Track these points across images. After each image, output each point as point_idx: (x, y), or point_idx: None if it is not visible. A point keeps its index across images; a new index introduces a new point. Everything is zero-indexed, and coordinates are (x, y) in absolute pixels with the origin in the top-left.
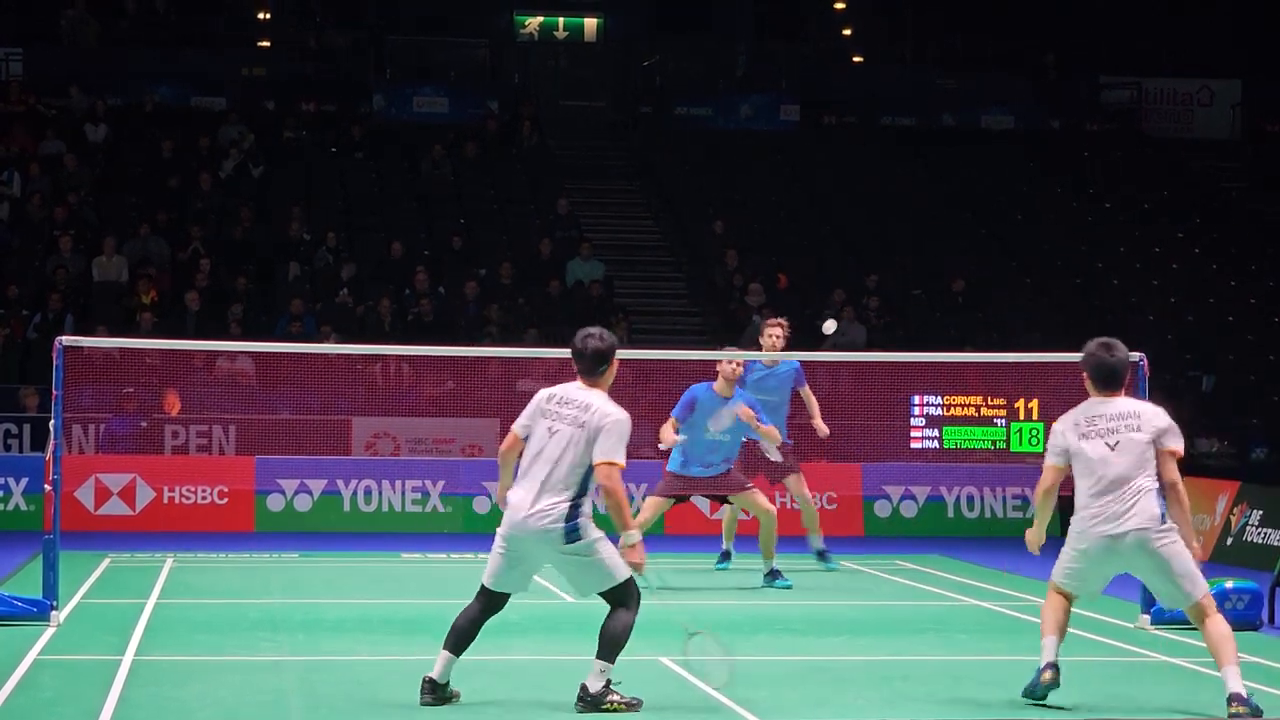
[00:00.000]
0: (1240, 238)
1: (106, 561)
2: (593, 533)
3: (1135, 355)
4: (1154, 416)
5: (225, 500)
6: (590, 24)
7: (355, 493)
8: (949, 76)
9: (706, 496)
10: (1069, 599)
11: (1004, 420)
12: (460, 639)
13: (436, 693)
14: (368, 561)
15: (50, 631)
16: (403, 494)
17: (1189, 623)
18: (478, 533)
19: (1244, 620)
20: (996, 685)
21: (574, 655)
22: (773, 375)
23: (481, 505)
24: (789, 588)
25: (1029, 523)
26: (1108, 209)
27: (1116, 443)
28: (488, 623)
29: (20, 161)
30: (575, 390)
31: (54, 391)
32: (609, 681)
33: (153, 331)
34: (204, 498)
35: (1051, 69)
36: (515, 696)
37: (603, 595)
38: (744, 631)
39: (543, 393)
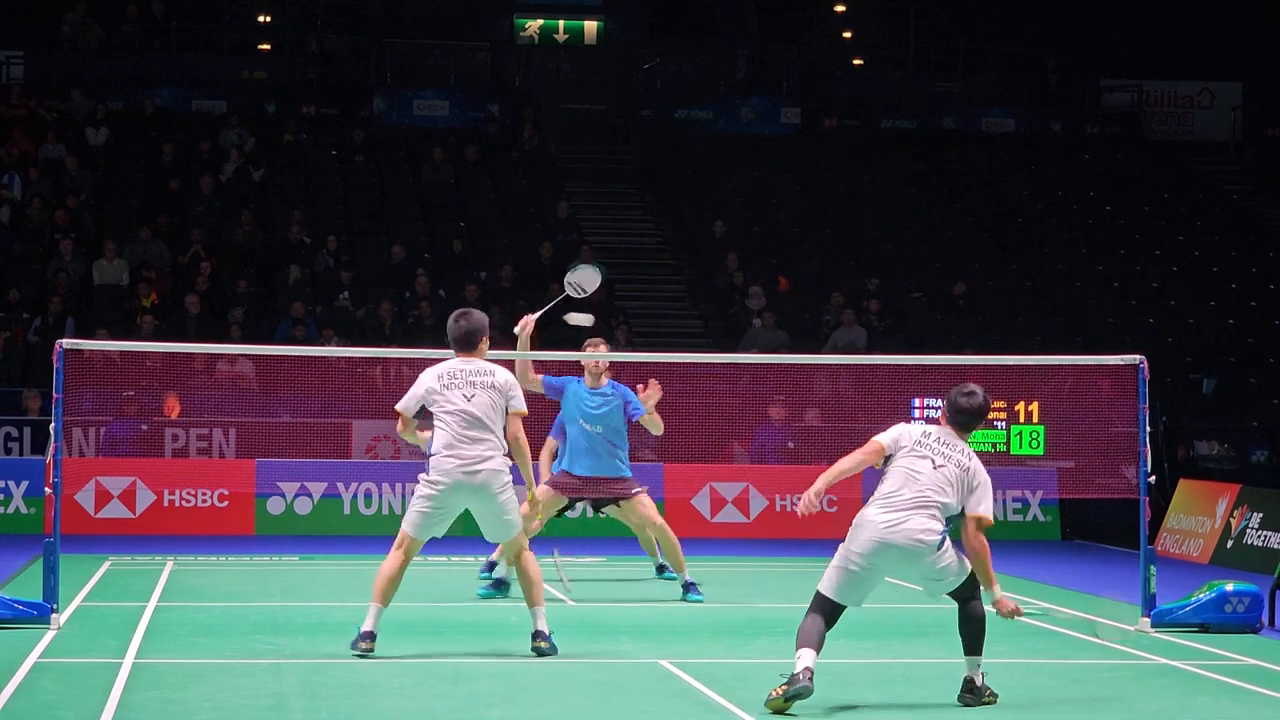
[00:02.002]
0: (1241, 240)
1: (107, 564)
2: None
3: (1135, 358)
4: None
5: (225, 503)
6: (590, 27)
7: (355, 496)
8: (949, 80)
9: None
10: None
11: (1004, 423)
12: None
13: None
14: (368, 564)
15: (51, 634)
16: (403, 497)
17: (1191, 625)
18: (478, 535)
19: (1244, 623)
20: (998, 688)
21: (576, 659)
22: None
23: None
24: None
25: (1030, 525)
26: (1108, 212)
27: (472, 395)
28: (488, 625)
29: (21, 165)
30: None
31: (54, 395)
32: (983, 674)
33: (153, 335)
34: (204, 501)
35: (1052, 72)
36: (517, 698)
37: (951, 594)
38: (744, 635)
39: (915, 429)
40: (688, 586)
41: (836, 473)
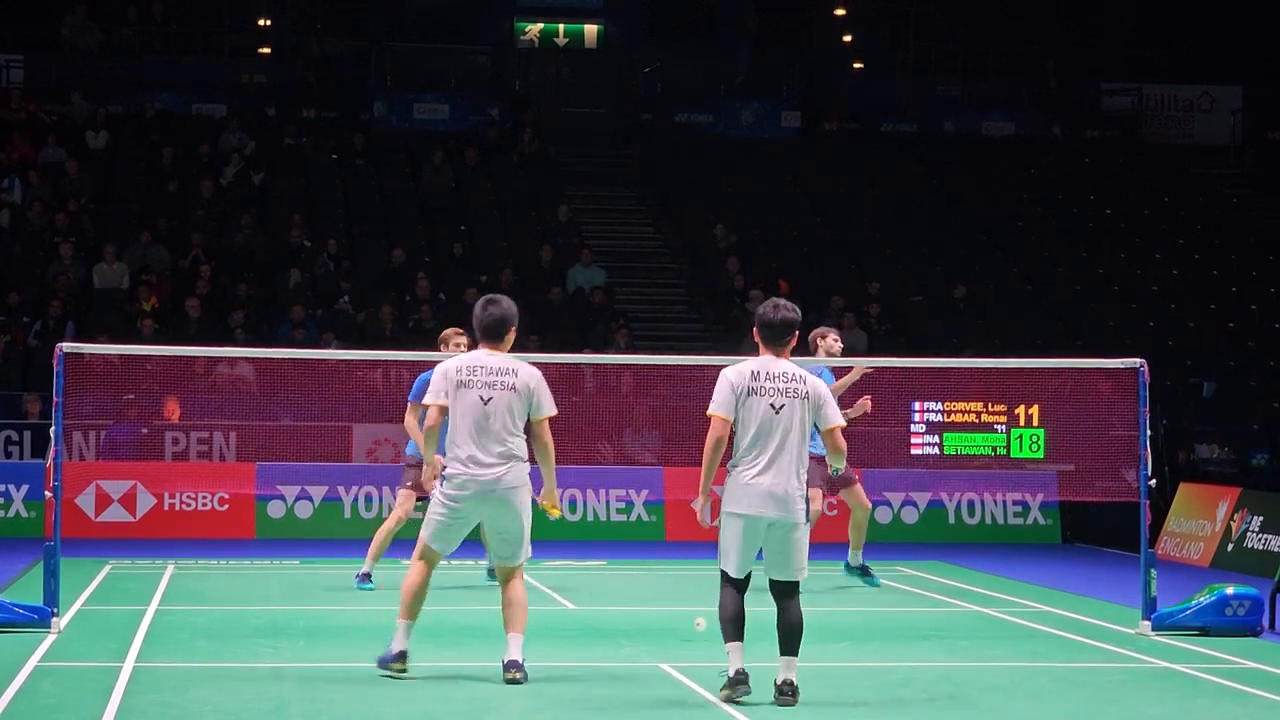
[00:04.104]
0: (1241, 244)
1: (107, 568)
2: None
3: (1135, 361)
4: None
5: (226, 507)
6: (590, 30)
7: (356, 499)
8: (950, 83)
9: None
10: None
11: (1004, 426)
12: (741, 625)
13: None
14: None
15: (51, 638)
16: None
17: (1191, 629)
18: (477, 540)
19: (1245, 626)
20: (997, 691)
21: (574, 662)
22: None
23: None
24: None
25: (1031, 529)
26: (1108, 215)
27: (489, 397)
28: (489, 628)
29: (21, 168)
30: (775, 363)
31: (55, 398)
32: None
33: (153, 338)
34: (205, 504)
35: (1052, 75)
36: (517, 702)
37: (786, 583)
38: (745, 638)
39: (737, 371)
40: None
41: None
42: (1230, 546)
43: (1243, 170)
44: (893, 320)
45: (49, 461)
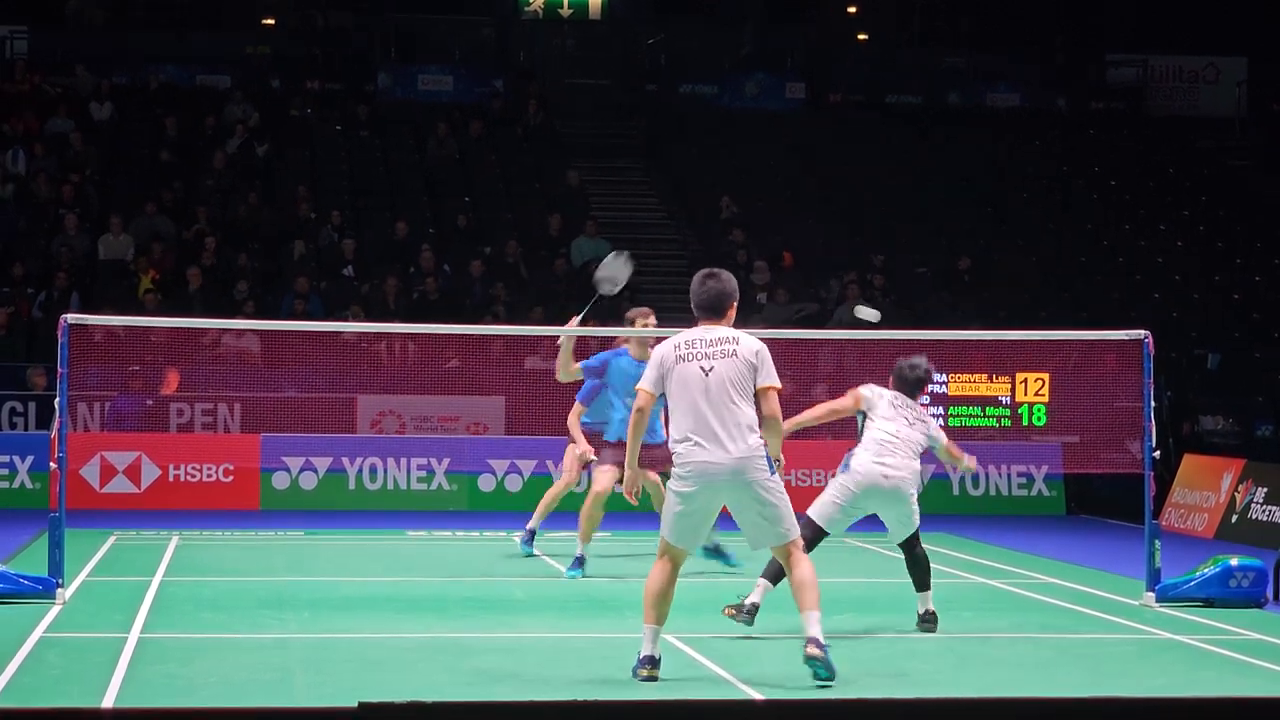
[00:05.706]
0: (1246, 215)
1: (112, 539)
2: None
3: (1140, 333)
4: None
5: (230, 478)
6: (595, 2)
7: (361, 471)
8: (955, 55)
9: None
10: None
11: (1009, 398)
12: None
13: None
14: (373, 539)
15: (56, 609)
16: (408, 472)
17: (1195, 600)
18: (483, 510)
19: (1249, 598)
20: (1001, 663)
21: (581, 633)
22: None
23: (486, 483)
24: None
25: (1035, 500)
26: (1113, 187)
27: (710, 368)
28: (494, 600)
29: (26, 140)
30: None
31: (59, 369)
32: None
33: (158, 310)
34: (209, 475)
35: (1058, 47)
36: (523, 672)
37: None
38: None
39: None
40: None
41: None
42: (1234, 518)
43: (1247, 142)
44: (897, 292)
45: (54, 433)
